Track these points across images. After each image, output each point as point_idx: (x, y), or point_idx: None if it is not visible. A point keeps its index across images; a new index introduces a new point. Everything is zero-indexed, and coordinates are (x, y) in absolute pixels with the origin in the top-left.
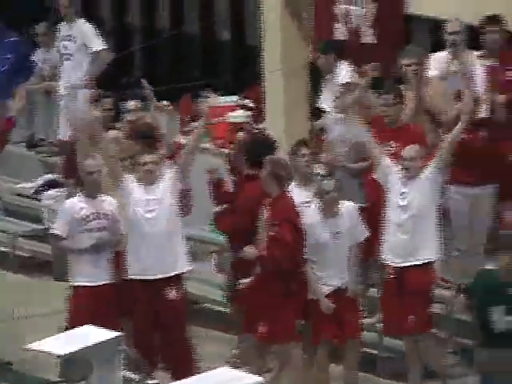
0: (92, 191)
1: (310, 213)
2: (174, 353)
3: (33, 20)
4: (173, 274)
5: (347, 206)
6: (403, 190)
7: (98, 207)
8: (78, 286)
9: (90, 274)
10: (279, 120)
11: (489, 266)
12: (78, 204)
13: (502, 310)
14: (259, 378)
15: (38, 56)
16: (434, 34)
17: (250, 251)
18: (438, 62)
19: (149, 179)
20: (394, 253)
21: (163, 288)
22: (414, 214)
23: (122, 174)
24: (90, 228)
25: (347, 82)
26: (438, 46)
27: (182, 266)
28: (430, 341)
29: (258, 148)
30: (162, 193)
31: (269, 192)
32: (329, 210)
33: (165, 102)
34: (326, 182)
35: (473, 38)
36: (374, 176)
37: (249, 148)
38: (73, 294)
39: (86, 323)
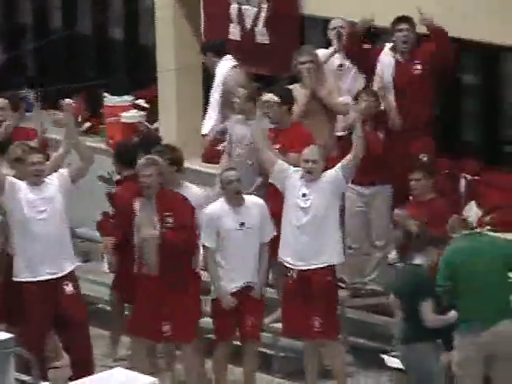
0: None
1: (215, 204)
2: (76, 349)
3: None
4: (66, 273)
5: (256, 202)
6: (304, 192)
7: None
8: None
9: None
10: (172, 119)
11: (416, 262)
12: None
13: (430, 304)
14: (153, 379)
15: None
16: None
17: (151, 233)
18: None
19: (37, 179)
20: (295, 255)
21: (59, 286)
22: (316, 216)
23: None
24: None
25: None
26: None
27: (73, 262)
28: (335, 348)
29: (130, 149)
30: (52, 192)
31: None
32: (232, 199)
33: (67, 100)
34: (227, 172)
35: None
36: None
37: (121, 150)
38: None
39: None
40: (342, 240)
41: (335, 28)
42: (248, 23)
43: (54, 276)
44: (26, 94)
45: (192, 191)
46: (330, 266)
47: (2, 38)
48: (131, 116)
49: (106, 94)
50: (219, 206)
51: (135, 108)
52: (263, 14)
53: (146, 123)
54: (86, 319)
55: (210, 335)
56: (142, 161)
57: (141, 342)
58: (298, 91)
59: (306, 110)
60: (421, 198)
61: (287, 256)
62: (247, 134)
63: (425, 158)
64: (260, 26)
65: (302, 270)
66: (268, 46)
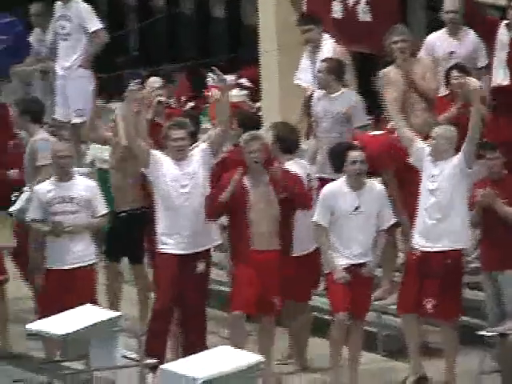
0: (61, 175)
1: (335, 183)
2: (190, 327)
3: (27, 0)
4: (203, 249)
5: (376, 187)
6: (433, 173)
7: (66, 191)
8: (49, 270)
9: (59, 259)
10: (274, 98)
11: None
12: (46, 188)
13: None
14: (260, 357)
15: (33, 37)
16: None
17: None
18: (430, 43)
19: (180, 155)
20: (421, 236)
21: (192, 262)
22: (441, 198)
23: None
24: (54, 211)
25: (334, 58)
26: (433, 27)
27: (211, 241)
28: (447, 331)
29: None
30: (195, 168)
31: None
32: (352, 180)
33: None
34: (352, 152)
35: None
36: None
37: None
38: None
39: (57, 306)
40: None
41: (448, 12)
42: (351, 1)
43: (190, 251)
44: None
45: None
46: (454, 250)
47: (106, 18)
48: (234, 95)
49: (209, 74)
50: (338, 185)
51: (238, 87)
52: None
53: (250, 102)
54: (205, 300)
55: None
56: (246, 136)
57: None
58: (393, 72)
59: (403, 93)
60: (496, 177)
61: (415, 236)
62: (330, 108)
63: None
64: (362, 4)
65: (425, 252)
66: (370, 24)
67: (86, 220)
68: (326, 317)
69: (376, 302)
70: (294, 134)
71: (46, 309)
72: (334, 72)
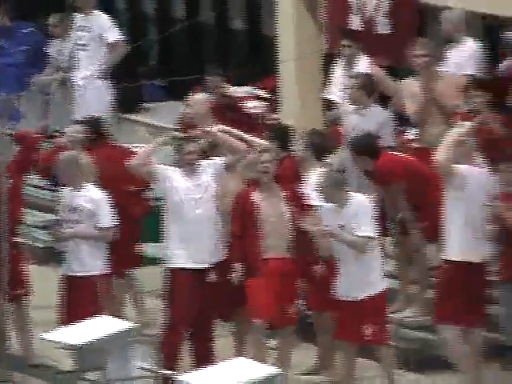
0: (71, 183)
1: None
2: (201, 339)
3: (46, 11)
4: (215, 262)
5: (356, 197)
6: None
7: (74, 200)
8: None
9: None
10: (294, 109)
11: None
12: (66, 193)
13: None
14: (278, 369)
15: (52, 47)
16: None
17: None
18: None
19: (191, 167)
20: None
21: (206, 275)
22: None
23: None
24: (65, 219)
25: (366, 73)
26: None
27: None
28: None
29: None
30: (206, 179)
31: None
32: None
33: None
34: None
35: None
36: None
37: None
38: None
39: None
40: None
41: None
42: (369, 13)
43: (203, 265)
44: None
45: None
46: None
47: (126, 28)
48: (254, 106)
49: (229, 86)
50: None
51: (257, 98)
52: (384, 4)
53: (269, 113)
54: (214, 313)
55: None
56: (259, 148)
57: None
58: (413, 85)
59: (424, 107)
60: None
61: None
62: (359, 123)
63: None
64: (381, 16)
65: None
66: (388, 37)
67: (86, 230)
68: None
69: (393, 315)
70: (327, 141)
71: (60, 316)
72: (364, 88)
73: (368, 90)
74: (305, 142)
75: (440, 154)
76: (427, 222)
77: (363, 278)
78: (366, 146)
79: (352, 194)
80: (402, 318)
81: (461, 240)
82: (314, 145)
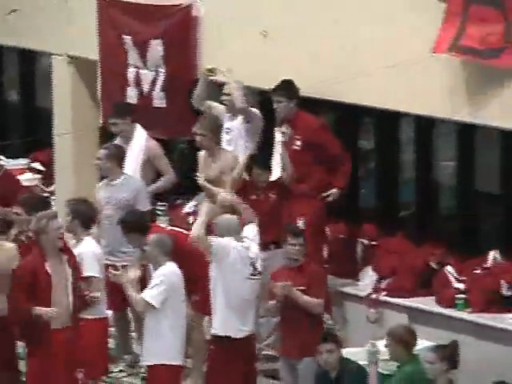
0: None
1: None
2: None
3: None
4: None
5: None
6: None
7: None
8: None
9: None
10: (69, 182)
11: None
12: None
13: None
14: None
15: None
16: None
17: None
18: None
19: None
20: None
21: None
22: None
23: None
24: None
25: (115, 144)
26: None
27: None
28: None
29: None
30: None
31: None
32: None
33: None
34: None
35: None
36: None
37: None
38: None
39: None
40: None
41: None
42: (145, 87)
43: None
44: None
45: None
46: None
47: None
48: (27, 179)
49: (1, 157)
50: None
51: (30, 171)
52: (161, 78)
53: (42, 186)
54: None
55: None
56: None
57: None
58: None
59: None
60: (294, 264)
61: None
62: (111, 195)
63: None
64: (157, 90)
65: None
66: (165, 110)
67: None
68: None
69: None
70: (93, 210)
71: None
72: (115, 158)
73: (118, 161)
74: (71, 211)
75: (194, 229)
76: (197, 297)
77: None
78: (135, 223)
79: None
80: None
81: (222, 314)
82: (80, 213)
